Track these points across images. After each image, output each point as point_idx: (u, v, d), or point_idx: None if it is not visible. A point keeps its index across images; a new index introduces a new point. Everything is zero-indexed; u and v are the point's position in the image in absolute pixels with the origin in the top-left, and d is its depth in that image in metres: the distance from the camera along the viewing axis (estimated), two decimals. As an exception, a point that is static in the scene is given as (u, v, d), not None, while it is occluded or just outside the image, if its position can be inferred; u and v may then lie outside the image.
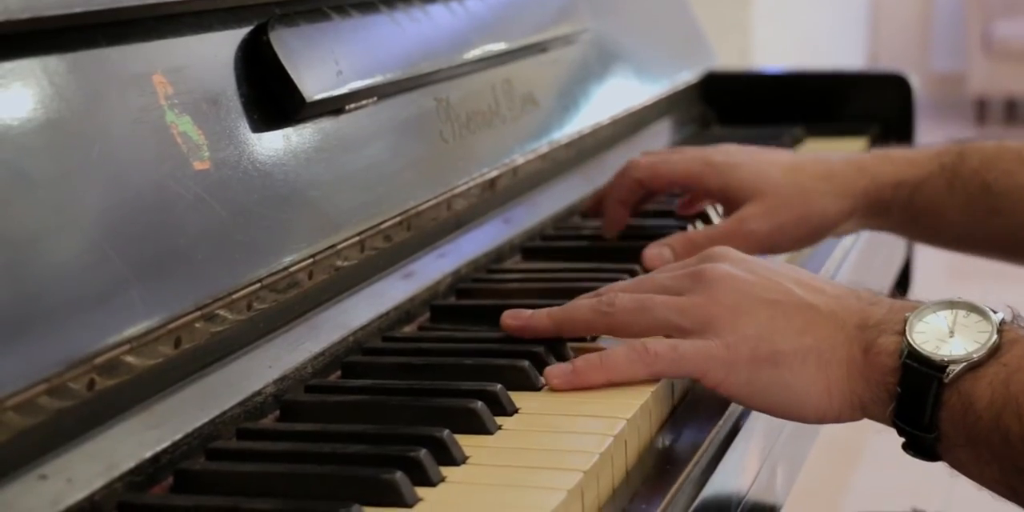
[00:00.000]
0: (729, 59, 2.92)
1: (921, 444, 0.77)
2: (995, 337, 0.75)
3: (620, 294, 0.81)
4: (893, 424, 0.77)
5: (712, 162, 1.08)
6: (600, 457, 0.67)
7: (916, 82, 1.56)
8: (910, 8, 7.11)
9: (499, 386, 0.74)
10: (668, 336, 0.79)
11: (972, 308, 0.77)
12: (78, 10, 0.66)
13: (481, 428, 0.70)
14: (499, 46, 1.11)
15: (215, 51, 0.79)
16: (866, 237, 1.28)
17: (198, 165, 0.73)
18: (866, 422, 0.82)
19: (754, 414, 0.85)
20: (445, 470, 0.64)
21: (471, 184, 1.01)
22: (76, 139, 0.67)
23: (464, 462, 0.66)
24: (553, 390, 0.77)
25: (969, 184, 1.10)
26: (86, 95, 0.68)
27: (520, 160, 1.09)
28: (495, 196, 1.06)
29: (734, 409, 0.83)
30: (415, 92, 0.98)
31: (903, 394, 0.75)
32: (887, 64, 6.53)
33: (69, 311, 0.62)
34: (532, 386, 0.76)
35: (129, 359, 0.64)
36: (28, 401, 0.58)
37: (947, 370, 0.74)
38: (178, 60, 0.75)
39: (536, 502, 0.62)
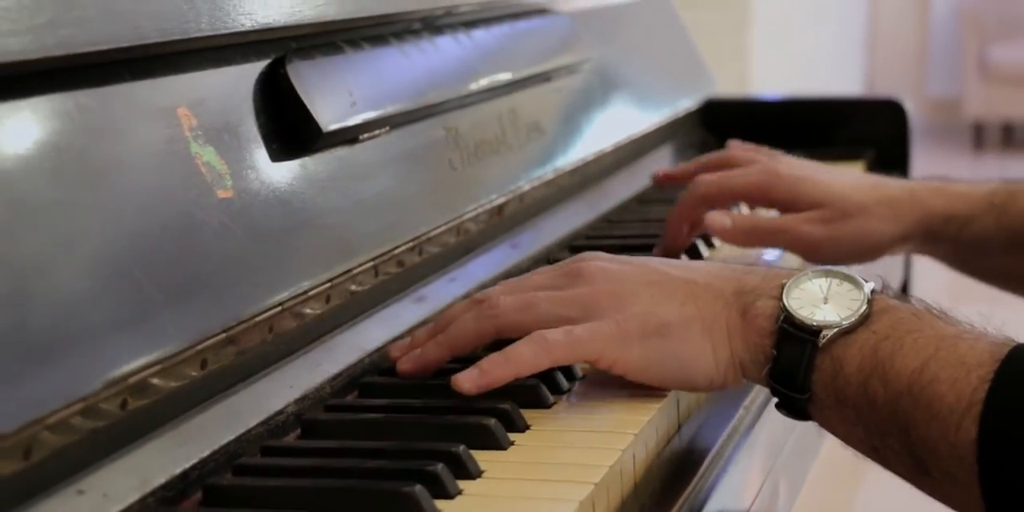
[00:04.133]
0: (728, 85, 2.96)
1: (793, 404, 0.80)
2: (866, 306, 0.78)
3: (501, 297, 0.83)
4: (768, 384, 0.80)
5: (780, 174, 1.13)
6: (609, 470, 0.70)
7: (913, 106, 1.60)
8: (906, 33, 7.16)
9: (511, 404, 0.77)
10: None
11: (845, 277, 0.81)
12: (105, 47, 0.69)
13: (495, 444, 0.73)
14: (504, 76, 1.15)
15: (235, 84, 0.82)
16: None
17: (222, 194, 0.75)
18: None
19: (756, 429, 0.88)
20: (462, 483, 0.67)
21: (479, 210, 1.04)
22: (108, 170, 0.70)
23: (480, 476, 0.69)
24: (465, 393, 0.78)
25: (1016, 224, 1.14)
26: (116, 128, 0.71)
27: (526, 187, 1.13)
28: (503, 222, 1.09)
29: (737, 424, 0.86)
30: (425, 122, 1.01)
31: (778, 356, 0.79)
32: (884, 89, 6.59)
33: (104, 334, 0.64)
34: (543, 404, 0.79)
35: (159, 380, 0.67)
36: (65, 420, 0.60)
37: (821, 334, 0.77)
38: (201, 93, 0.78)
39: (554, 505, 0.65)
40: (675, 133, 1.50)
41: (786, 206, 1.15)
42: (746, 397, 0.90)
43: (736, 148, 1.21)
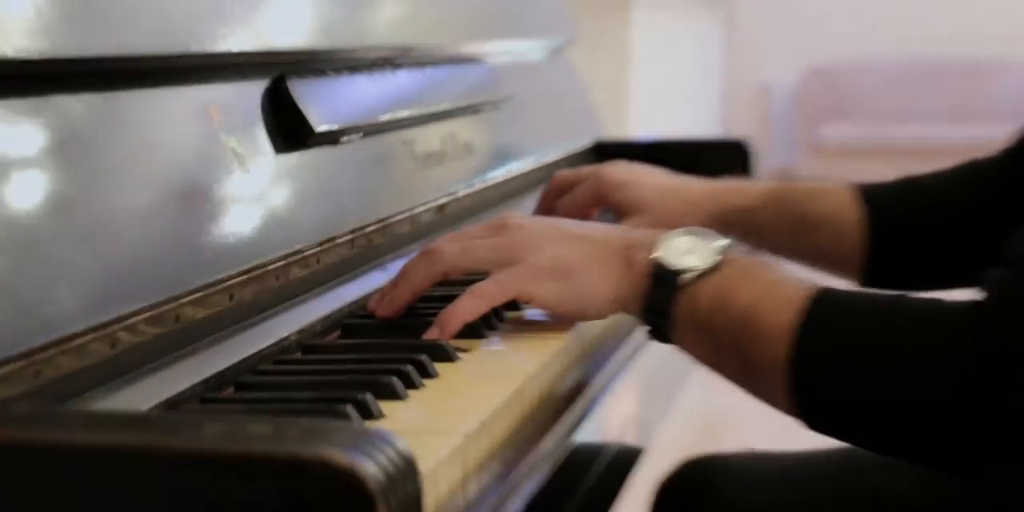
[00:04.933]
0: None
1: (660, 331, 0.87)
2: (718, 257, 0.85)
3: (445, 246, 0.89)
4: (642, 315, 0.87)
5: (607, 181, 1.18)
6: (534, 370, 0.79)
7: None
8: (751, 113, 7.25)
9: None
10: (489, 274, 0.88)
11: (705, 235, 0.87)
12: (164, 52, 0.77)
13: (447, 357, 0.80)
14: (446, 104, 1.19)
15: (252, 91, 0.89)
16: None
17: (242, 171, 0.83)
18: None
19: (637, 359, 0.96)
20: (425, 381, 0.75)
21: (427, 207, 1.09)
22: (161, 153, 0.77)
23: (437, 376, 0.77)
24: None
25: (791, 214, 1.20)
26: (166, 120, 0.78)
27: (462, 193, 1.18)
28: (444, 219, 1.13)
29: (623, 354, 0.95)
30: (388, 134, 1.06)
31: (651, 293, 0.85)
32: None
33: (162, 262, 0.72)
34: (480, 336, 0.86)
35: (198, 306, 0.74)
36: (138, 323, 0.68)
37: (682, 277, 0.84)
38: (227, 97, 0.85)
39: (494, 393, 0.73)
40: (572, 164, 1.54)
41: (618, 207, 1.19)
42: (631, 335, 0.98)
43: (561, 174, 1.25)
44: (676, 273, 0.84)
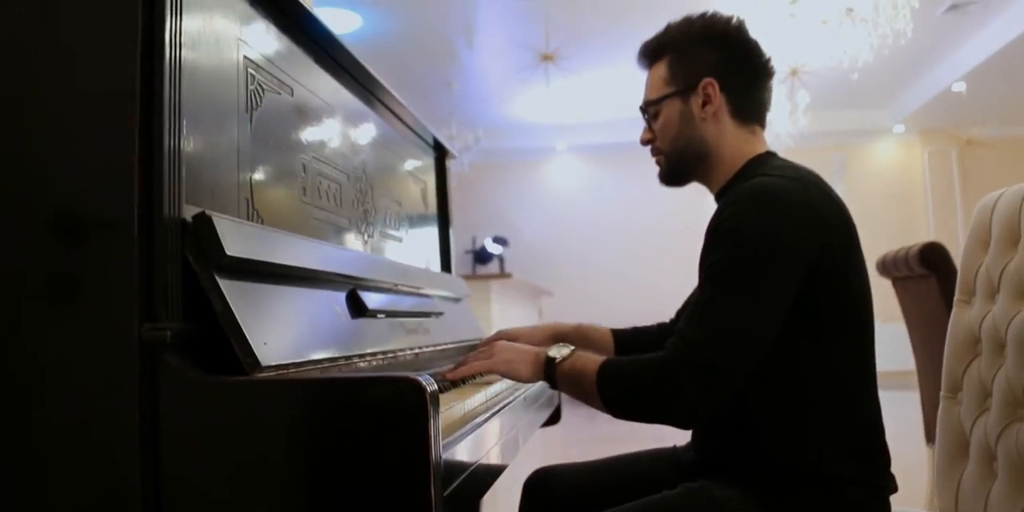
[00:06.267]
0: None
1: (552, 384, 1.40)
2: (569, 352, 1.41)
3: (471, 354, 1.48)
4: (545, 380, 1.41)
5: (493, 352, 1.56)
6: (476, 398, 1.42)
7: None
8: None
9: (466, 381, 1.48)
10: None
11: (565, 345, 1.42)
12: (312, 267, 1.45)
13: (456, 386, 1.46)
14: (420, 310, 1.80)
15: (343, 291, 1.50)
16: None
17: (342, 320, 1.46)
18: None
19: (514, 404, 1.56)
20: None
21: (411, 351, 1.68)
22: (313, 311, 1.41)
23: (450, 390, 1.39)
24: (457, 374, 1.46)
25: (584, 335, 1.81)
26: (316, 299, 1.41)
27: (428, 349, 1.77)
28: (418, 357, 1.72)
29: (510, 401, 1.57)
30: (394, 318, 1.65)
31: (546, 369, 1.41)
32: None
33: (323, 347, 1.39)
34: (467, 382, 1.52)
35: (339, 363, 1.40)
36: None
37: (558, 360, 1.40)
38: (335, 294, 1.47)
39: (460, 398, 1.37)
40: (471, 345, 2.07)
41: (514, 338, 1.70)
42: (519, 390, 1.58)
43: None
44: (554, 359, 1.41)
